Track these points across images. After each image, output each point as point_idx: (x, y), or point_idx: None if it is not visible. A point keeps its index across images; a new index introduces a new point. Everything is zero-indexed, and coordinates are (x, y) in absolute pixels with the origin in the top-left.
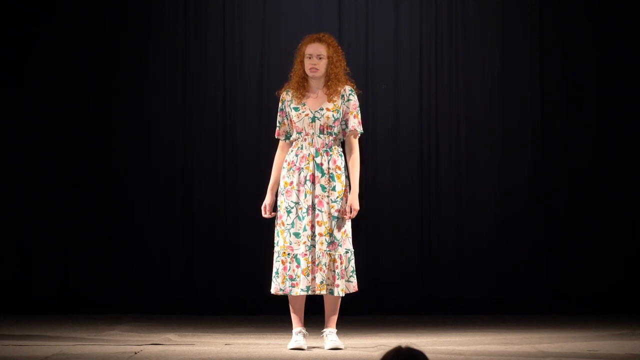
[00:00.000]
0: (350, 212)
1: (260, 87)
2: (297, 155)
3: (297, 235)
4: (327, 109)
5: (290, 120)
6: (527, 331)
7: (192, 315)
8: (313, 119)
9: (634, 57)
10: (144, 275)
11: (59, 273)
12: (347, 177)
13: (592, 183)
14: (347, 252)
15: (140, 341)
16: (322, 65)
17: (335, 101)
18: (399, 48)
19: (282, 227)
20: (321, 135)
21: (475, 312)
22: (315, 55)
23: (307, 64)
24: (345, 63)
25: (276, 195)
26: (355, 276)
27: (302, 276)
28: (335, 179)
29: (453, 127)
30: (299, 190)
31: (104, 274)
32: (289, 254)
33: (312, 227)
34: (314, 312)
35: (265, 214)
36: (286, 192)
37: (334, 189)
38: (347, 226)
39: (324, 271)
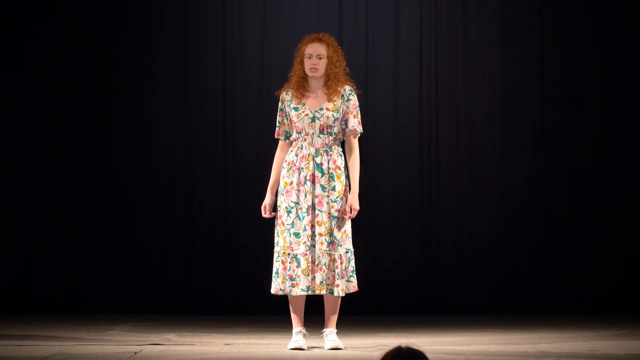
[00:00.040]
0: (350, 212)
1: (260, 87)
2: (297, 155)
3: (297, 235)
4: (327, 109)
5: (290, 120)
6: (527, 331)
7: (192, 315)
8: (313, 119)
9: (634, 57)
10: (144, 275)
11: (59, 273)
12: (347, 177)
13: (592, 183)
14: (347, 252)
15: (140, 341)
16: (322, 65)
17: (335, 101)
18: (399, 48)
19: (282, 227)
20: (321, 135)
21: (475, 312)
22: (315, 55)
23: (307, 64)
24: (345, 63)
25: (276, 195)
26: (355, 276)
27: (302, 276)
28: (335, 178)
29: (453, 127)
30: (298, 190)
31: (104, 274)
32: (289, 254)
33: (312, 227)
34: (314, 312)
35: (265, 214)
36: (286, 192)
37: (333, 188)
38: (347, 226)
39: (324, 271)
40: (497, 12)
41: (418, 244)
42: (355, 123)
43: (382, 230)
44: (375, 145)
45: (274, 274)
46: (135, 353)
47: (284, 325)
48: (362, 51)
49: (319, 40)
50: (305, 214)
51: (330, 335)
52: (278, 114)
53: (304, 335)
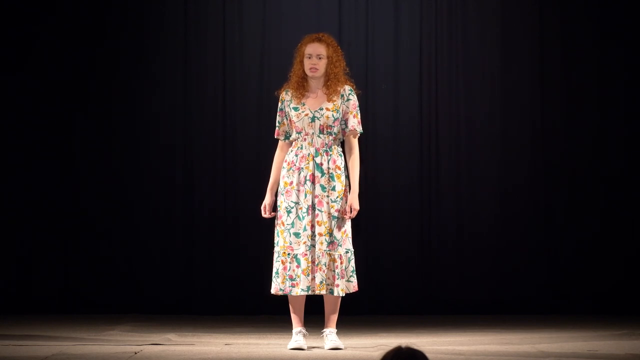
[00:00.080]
0: (350, 211)
1: (260, 87)
2: (296, 155)
3: (297, 235)
4: (327, 109)
5: (290, 120)
6: (527, 331)
7: (192, 315)
8: (313, 119)
9: (634, 57)
10: (144, 275)
11: (59, 273)
12: (347, 177)
13: (592, 183)
14: (347, 252)
15: (140, 341)
16: (322, 65)
17: (335, 101)
18: (399, 48)
19: (282, 227)
20: (321, 135)
21: (475, 312)
22: (315, 55)
23: (307, 64)
24: (344, 63)
25: (276, 195)
26: (355, 276)
27: (302, 276)
28: (335, 178)
29: (453, 127)
30: (298, 190)
31: (104, 274)
32: (289, 254)
33: (312, 227)
34: (314, 312)
35: (265, 214)
36: (286, 192)
37: (333, 188)
38: (347, 226)
39: (324, 271)
40: (497, 12)
41: (418, 244)
42: (355, 123)
43: (382, 230)
44: (375, 145)
45: (274, 274)
46: (135, 353)
47: (284, 325)
48: (362, 51)
49: (319, 40)
50: (305, 214)
51: (330, 335)
52: (278, 114)
53: (304, 335)
